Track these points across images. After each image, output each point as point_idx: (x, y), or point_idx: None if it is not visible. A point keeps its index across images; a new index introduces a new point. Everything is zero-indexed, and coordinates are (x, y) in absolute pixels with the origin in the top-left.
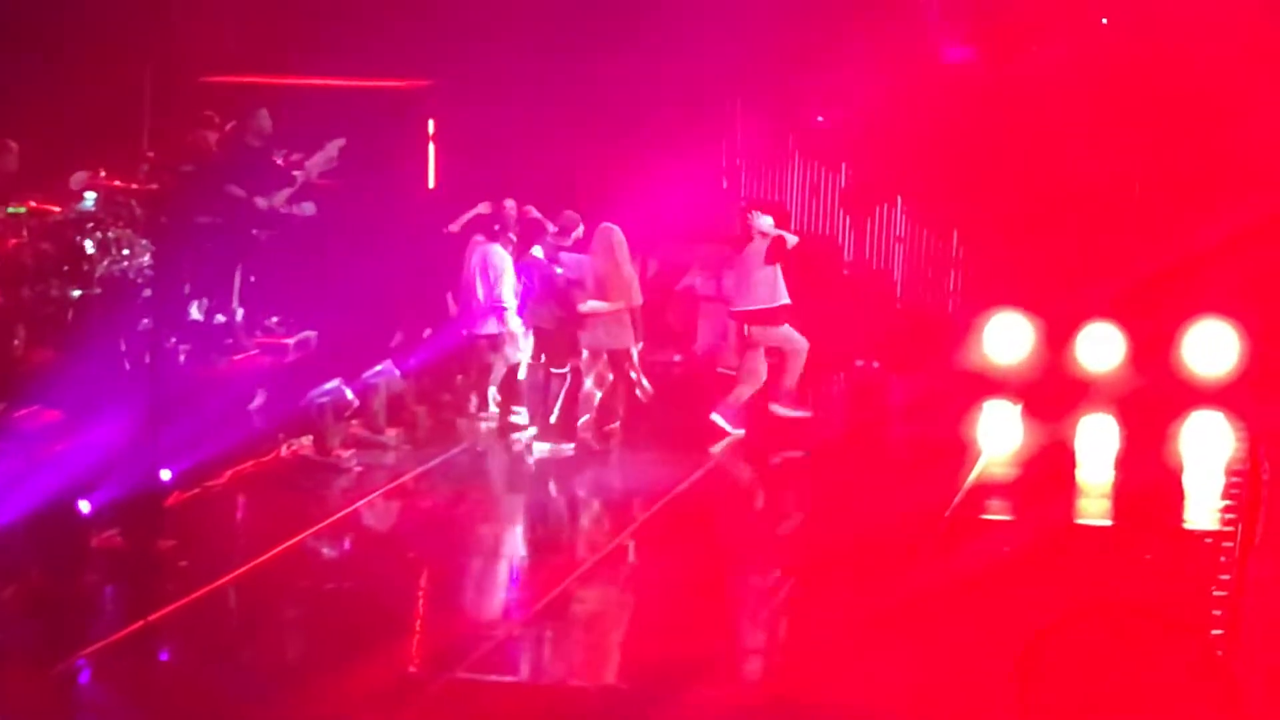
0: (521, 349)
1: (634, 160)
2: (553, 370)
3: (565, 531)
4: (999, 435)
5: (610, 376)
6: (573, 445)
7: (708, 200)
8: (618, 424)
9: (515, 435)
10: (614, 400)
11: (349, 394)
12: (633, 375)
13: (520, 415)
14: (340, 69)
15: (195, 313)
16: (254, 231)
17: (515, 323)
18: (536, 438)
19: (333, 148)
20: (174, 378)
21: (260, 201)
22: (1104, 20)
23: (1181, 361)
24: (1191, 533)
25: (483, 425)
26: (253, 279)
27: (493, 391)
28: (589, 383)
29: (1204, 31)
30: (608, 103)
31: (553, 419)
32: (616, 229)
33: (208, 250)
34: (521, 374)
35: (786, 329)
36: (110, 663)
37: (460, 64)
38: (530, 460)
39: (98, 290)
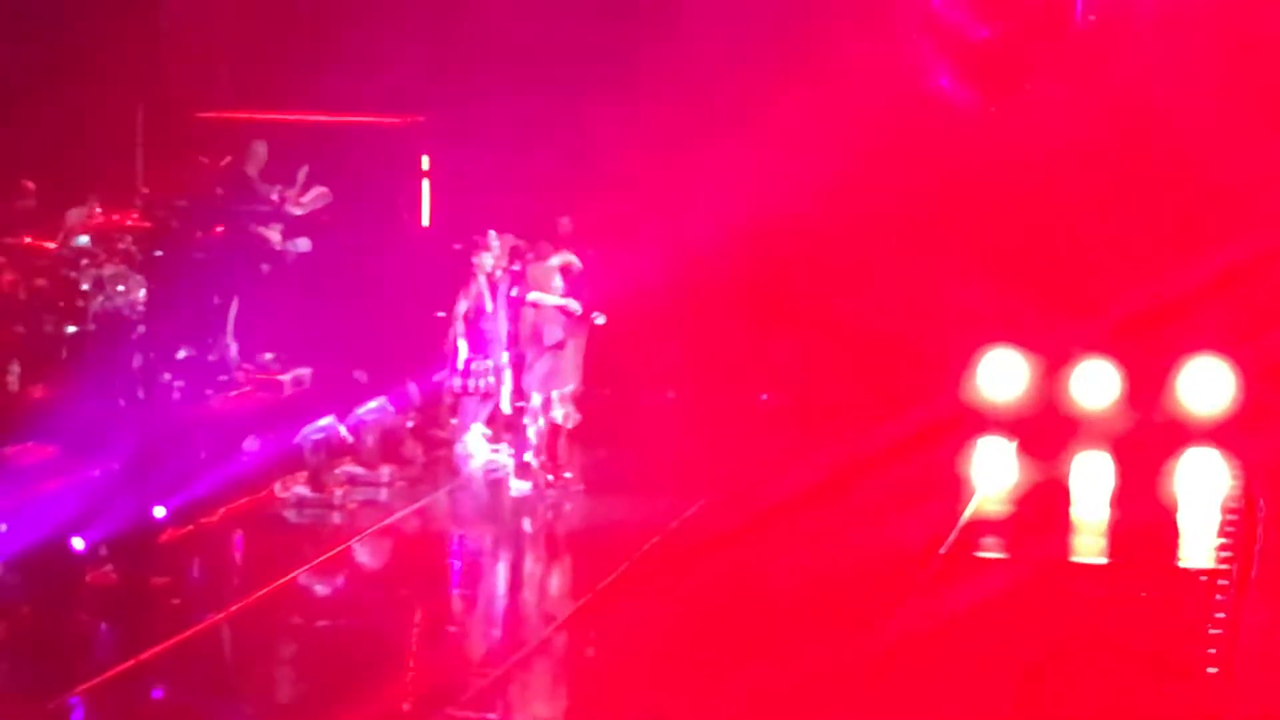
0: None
1: (625, 195)
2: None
3: (557, 570)
4: (994, 472)
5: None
6: (529, 485)
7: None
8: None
9: (499, 472)
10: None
11: (343, 431)
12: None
13: (501, 452)
14: (335, 105)
15: (189, 349)
16: (248, 267)
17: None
18: (512, 475)
19: (317, 192)
20: (168, 414)
21: (271, 235)
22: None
23: (1177, 398)
24: (1187, 571)
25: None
26: (247, 315)
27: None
28: (542, 422)
29: (1199, 69)
30: (599, 140)
31: (526, 456)
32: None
33: (202, 286)
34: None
35: None
36: (103, 700)
37: (455, 100)
38: (520, 499)
39: (92, 326)
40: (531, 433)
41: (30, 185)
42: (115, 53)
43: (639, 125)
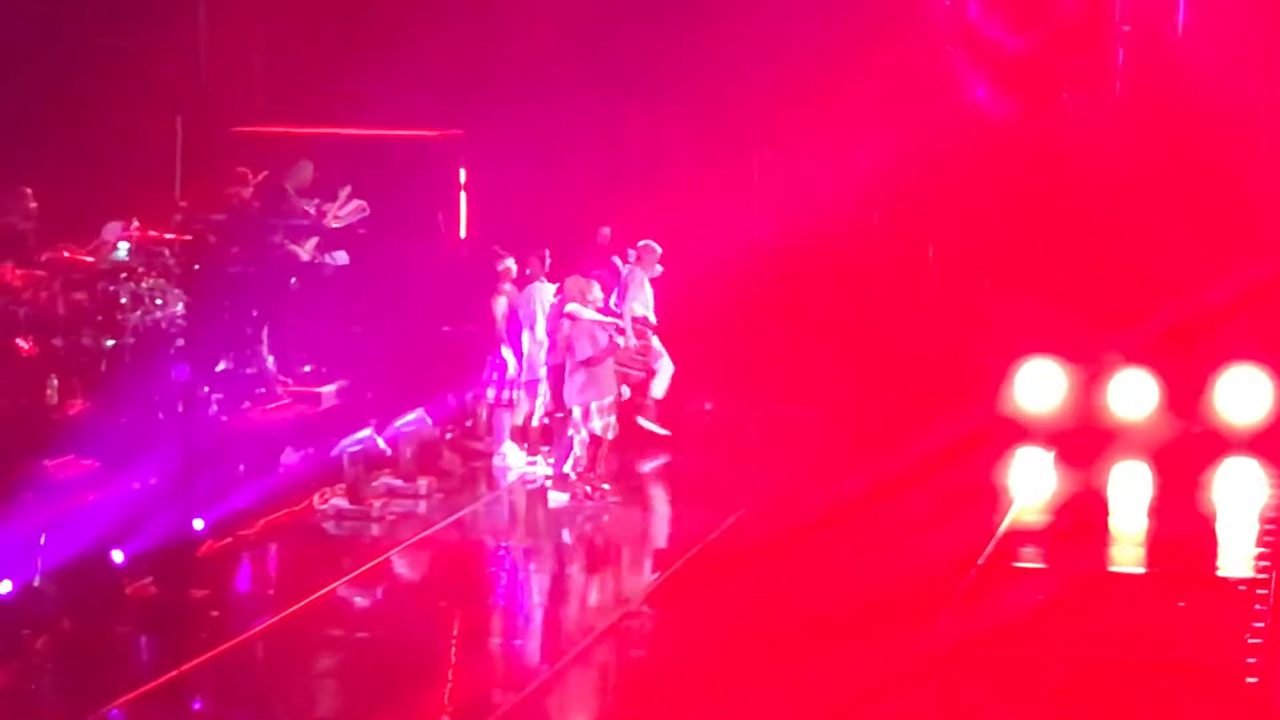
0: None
1: (661, 207)
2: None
3: (595, 582)
4: (1032, 482)
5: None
6: (568, 496)
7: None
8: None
9: (537, 484)
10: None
11: (381, 443)
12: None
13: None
14: (371, 119)
15: (227, 362)
16: (286, 280)
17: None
18: (551, 486)
19: (355, 205)
20: (207, 427)
21: (301, 251)
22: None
23: (1215, 408)
24: (1225, 580)
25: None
26: (285, 328)
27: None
28: (584, 433)
29: (1236, 77)
30: (635, 151)
31: (565, 467)
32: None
33: (240, 299)
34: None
35: None
36: (143, 712)
37: (491, 114)
38: (558, 510)
39: (131, 340)
40: (576, 444)
41: (29, 191)
42: (154, 68)
43: (674, 136)
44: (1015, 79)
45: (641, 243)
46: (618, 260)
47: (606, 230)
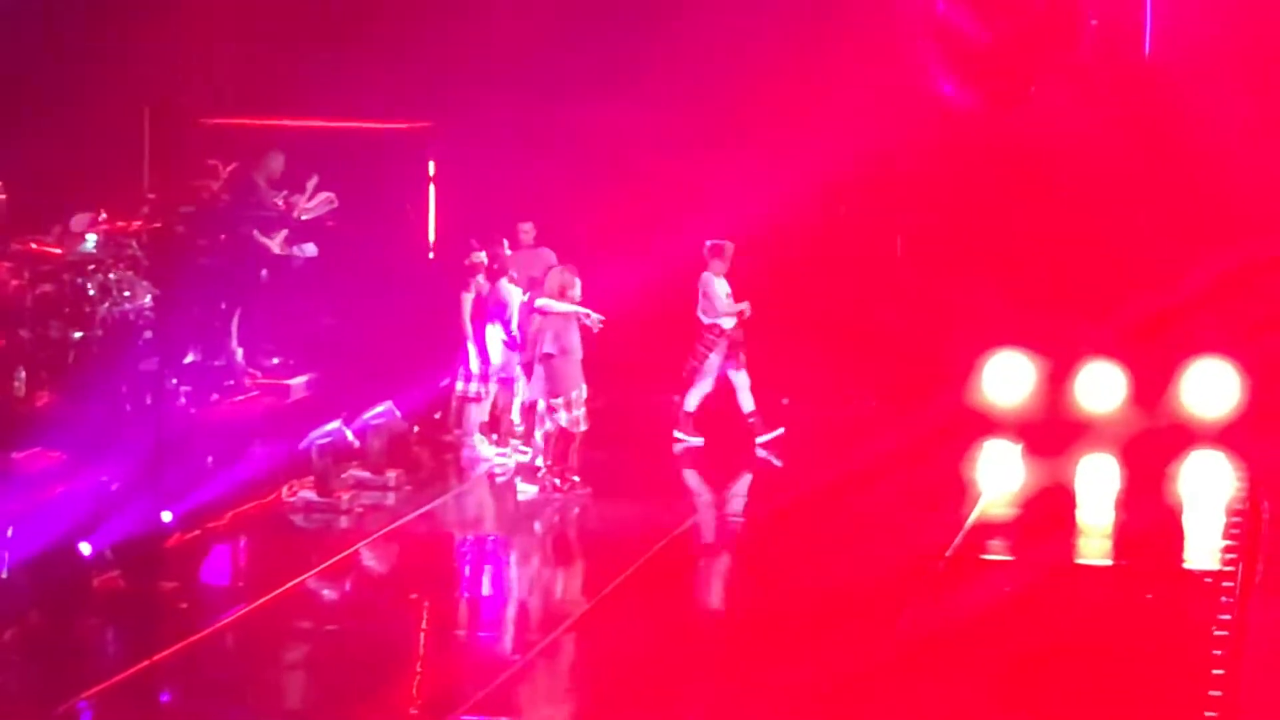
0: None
1: (631, 199)
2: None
3: (565, 573)
4: (1000, 475)
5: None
6: (536, 488)
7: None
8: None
9: (506, 476)
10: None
11: (349, 435)
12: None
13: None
14: (341, 111)
15: (196, 354)
16: (255, 272)
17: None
18: (520, 479)
19: (323, 197)
20: (175, 419)
21: (272, 243)
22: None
23: (1182, 401)
24: (1192, 573)
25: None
26: (253, 320)
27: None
28: (549, 425)
29: (1202, 72)
30: (606, 146)
31: (538, 460)
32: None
33: (208, 292)
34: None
35: None
36: (112, 705)
37: (462, 106)
38: (527, 502)
39: (98, 332)
40: (538, 437)
41: None
42: (122, 58)
43: (644, 130)
44: (983, 72)
45: (709, 243)
46: (550, 253)
47: (528, 226)
